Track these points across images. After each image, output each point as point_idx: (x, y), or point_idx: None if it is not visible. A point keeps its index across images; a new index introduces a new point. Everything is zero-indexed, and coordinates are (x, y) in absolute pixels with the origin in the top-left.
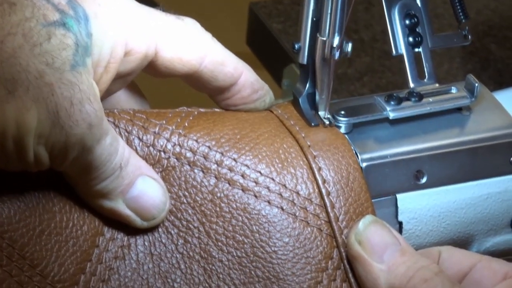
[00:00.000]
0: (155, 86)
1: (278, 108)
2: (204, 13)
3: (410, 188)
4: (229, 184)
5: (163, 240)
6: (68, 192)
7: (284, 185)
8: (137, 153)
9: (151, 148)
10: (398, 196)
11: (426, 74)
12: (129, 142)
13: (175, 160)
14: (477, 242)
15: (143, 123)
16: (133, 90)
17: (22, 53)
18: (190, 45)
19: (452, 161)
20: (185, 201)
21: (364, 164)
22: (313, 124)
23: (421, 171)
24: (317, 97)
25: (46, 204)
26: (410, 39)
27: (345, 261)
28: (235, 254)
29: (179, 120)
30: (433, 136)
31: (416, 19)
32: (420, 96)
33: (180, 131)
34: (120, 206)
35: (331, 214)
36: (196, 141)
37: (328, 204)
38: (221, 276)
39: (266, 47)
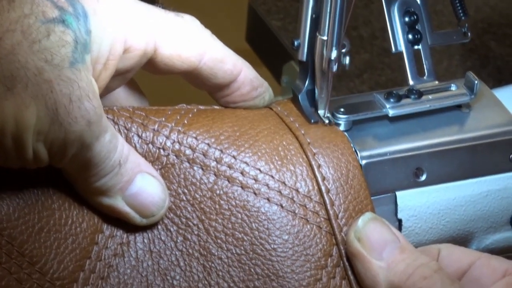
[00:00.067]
0: (154, 83)
1: (277, 105)
2: (203, 10)
3: (409, 185)
4: (228, 181)
5: (163, 238)
6: (67, 189)
7: (284, 183)
8: (136, 150)
9: (150, 145)
10: (398, 193)
11: (426, 72)
12: (128, 139)
13: (175, 157)
14: (476, 239)
15: (142, 120)
16: (132, 87)
17: (21, 50)
18: (189, 42)
19: (451, 158)
20: (184, 198)
21: (363, 162)
22: (312, 121)
23: (420, 169)
24: (316, 94)
25: (45, 201)
26: (410, 36)
27: (345, 259)
28: (234, 252)
29: (178, 117)
30: (433, 133)
31: (415, 17)
32: (419, 94)
33: (180, 128)
34: (119, 203)
35: (331, 212)
36: (196, 138)
37: (327, 201)
38: (220, 273)
39: (265, 44)
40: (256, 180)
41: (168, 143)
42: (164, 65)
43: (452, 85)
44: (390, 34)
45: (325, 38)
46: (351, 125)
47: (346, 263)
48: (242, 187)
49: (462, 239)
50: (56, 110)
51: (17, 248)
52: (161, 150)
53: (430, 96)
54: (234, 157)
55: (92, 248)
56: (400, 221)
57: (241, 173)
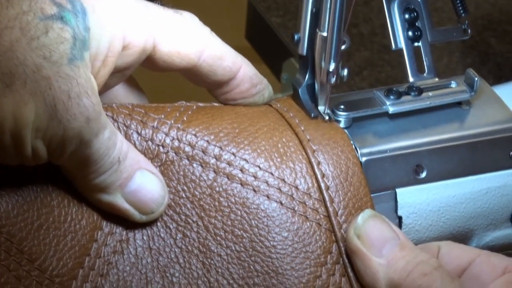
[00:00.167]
0: (153, 80)
1: (277, 102)
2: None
3: (409, 182)
4: (228, 178)
5: (162, 235)
6: (66, 186)
7: (283, 180)
8: (136, 147)
9: (149, 143)
10: (398, 190)
11: (426, 68)
12: (127, 137)
13: (174, 154)
14: (476, 236)
15: (142, 118)
16: (132, 84)
17: (19, 46)
18: (188, 39)
19: (451, 155)
20: (183, 195)
21: (363, 159)
22: (312, 115)
23: (420, 166)
24: (316, 88)
25: (44, 198)
26: (410, 33)
27: (344, 256)
28: (234, 249)
29: (177, 114)
30: (433, 130)
31: (415, 13)
32: (419, 91)
33: (179, 125)
34: (119, 200)
35: (330, 209)
36: (195, 135)
37: (327, 198)
38: (219, 270)
39: (265, 41)
40: (255, 177)
41: (168, 140)
42: (163, 62)
43: (452, 82)
44: (390, 31)
45: (325, 34)
46: (351, 122)
47: (346, 260)
48: (241, 184)
49: (462, 236)
50: (54, 107)
51: (16, 245)
52: (161, 147)
53: (430, 93)
54: (233, 154)
55: (92, 245)
56: (400, 218)
57: (241, 170)
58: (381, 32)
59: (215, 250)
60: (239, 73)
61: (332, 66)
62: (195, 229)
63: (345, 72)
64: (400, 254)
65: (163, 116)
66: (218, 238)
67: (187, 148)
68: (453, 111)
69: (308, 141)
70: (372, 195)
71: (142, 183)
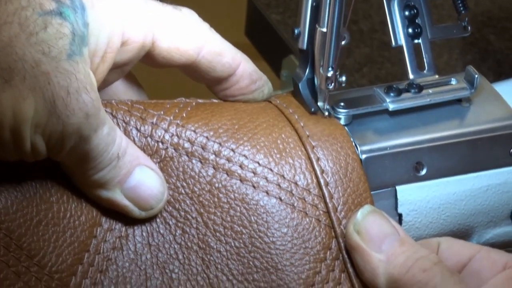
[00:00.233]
0: (153, 76)
1: (276, 99)
2: (202, 4)
3: (409, 180)
4: (227, 174)
5: (161, 231)
6: (65, 182)
7: (283, 176)
8: (135, 143)
9: (149, 139)
10: (398, 188)
11: (426, 66)
12: (126, 133)
13: (173, 150)
14: (477, 234)
15: (141, 114)
16: (131, 81)
17: (18, 42)
18: (187, 35)
19: (452, 152)
20: (183, 191)
21: (363, 156)
22: (312, 109)
23: (420, 163)
24: (316, 83)
25: (44, 194)
26: (410, 30)
27: (344, 252)
28: (233, 245)
29: (177, 110)
30: (433, 127)
31: (415, 10)
32: (419, 88)
33: (178, 121)
34: (118, 196)
35: (330, 205)
36: (194, 131)
37: (326, 194)
38: (219, 266)
39: (264, 38)
40: (255, 173)
41: (167, 136)
42: (162, 58)
43: (452, 79)
44: (390, 28)
45: (324, 30)
46: (351, 119)
47: (345, 256)
48: (241, 180)
49: (462, 234)
50: (54, 102)
51: (15, 241)
52: (160, 144)
53: (430, 90)
54: (233, 150)
55: (91, 242)
56: (400, 215)
57: (240, 166)
58: (380, 28)
59: (215, 246)
60: (239, 69)
61: (330, 73)
62: (194, 225)
63: (343, 78)
64: (399, 250)
65: (162, 112)
66: (218, 234)
67: (187, 144)
68: (453, 108)
69: (307, 137)
70: (372, 192)
71: (141, 179)
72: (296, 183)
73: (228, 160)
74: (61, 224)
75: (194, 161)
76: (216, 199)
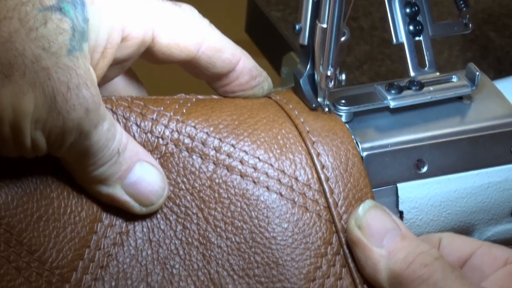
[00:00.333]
0: (153, 72)
1: (277, 95)
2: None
3: (410, 177)
4: (227, 170)
5: (162, 227)
6: (65, 178)
7: (283, 171)
8: (135, 139)
9: (149, 135)
10: (399, 185)
11: (427, 63)
12: (127, 129)
13: (173, 146)
14: (478, 231)
15: (141, 110)
16: (131, 77)
17: (18, 37)
18: (187, 31)
19: (453, 150)
20: (183, 187)
21: (364, 153)
22: (313, 105)
23: (421, 160)
24: (316, 78)
25: (44, 190)
26: (411, 27)
27: (345, 247)
28: (234, 240)
29: (177, 106)
30: (434, 125)
31: (416, 8)
32: (420, 85)
33: (178, 117)
34: (118, 192)
35: (330, 200)
36: (194, 127)
37: (327, 189)
38: (220, 262)
39: (265, 35)
40: (255, 168)
41: (167, 132)
42: (162, 54)
43: (453, 76)
44: (391, 25)
45: (324, 26)
46: (352, 117)
47: (346, 251)
48: (241, 176)
49: (463, 231)
50: (54, 98)
51: (16, 237)
52: (160, 139)
53: (431, 88)
54: (233, 145)
55: (91, 237)
56: (401, 213)
57: (240, 161)
58: (381, 25)
59: (215, 242)
60: (238, 65)
61: (330, 72)
62: (195, 221)
63: (343, 76)
64: (401, 245)
65: (162, 108)
66: (218, 229)
67: (187, 140)
68: (454, 105)
69: (307, 132)
70: (373, 189)
71: (142, 175)
72: (296, 179)
73: (229, 155)
74: (61, 220)
75: (194, 156)
76: (216, 195)
